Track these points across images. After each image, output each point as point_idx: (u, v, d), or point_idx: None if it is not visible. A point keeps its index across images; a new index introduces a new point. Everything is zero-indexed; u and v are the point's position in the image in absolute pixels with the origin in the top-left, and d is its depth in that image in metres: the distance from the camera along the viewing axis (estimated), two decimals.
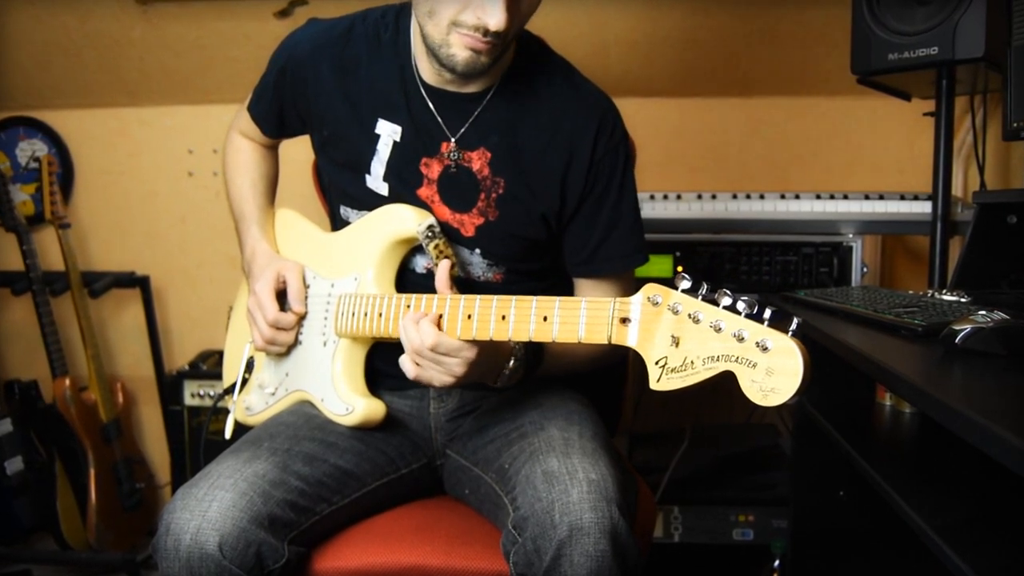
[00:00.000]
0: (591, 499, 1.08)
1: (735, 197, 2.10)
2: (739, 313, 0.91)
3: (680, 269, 2.05)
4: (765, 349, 0.87)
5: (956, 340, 1.06)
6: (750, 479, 2.15)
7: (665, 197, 2.12)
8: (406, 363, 1.18)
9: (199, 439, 2.43)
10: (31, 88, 2.59)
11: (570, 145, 1.32)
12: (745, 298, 0.91)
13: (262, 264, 1.43)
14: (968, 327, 1.06)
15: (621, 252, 1.37)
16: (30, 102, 2.64)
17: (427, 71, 1.32)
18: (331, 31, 1.37)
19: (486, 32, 1.16)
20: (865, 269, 2.04)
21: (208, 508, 1.10)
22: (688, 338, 0.94)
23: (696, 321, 0.94)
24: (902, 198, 2.05)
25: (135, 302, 2.64)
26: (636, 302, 1.01)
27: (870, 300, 1.40)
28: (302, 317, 1.41)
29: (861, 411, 1.56)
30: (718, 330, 0.91)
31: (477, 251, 1.36)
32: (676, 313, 0.96)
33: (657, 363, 0.97)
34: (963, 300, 1.33)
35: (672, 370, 0.95)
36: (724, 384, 0.93)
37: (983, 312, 1.09)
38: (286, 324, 1.38)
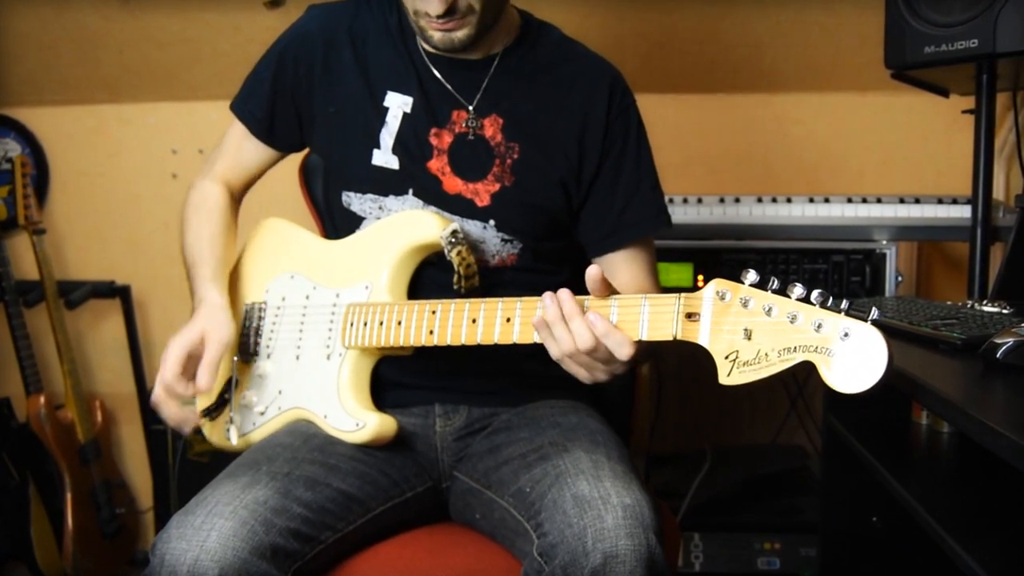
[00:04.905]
0: (627, 525, 1.09)
1: (760, 201, 2.11)
2: (814, 304, 0.95)
3: (701, 278, 2.07)
4: (846, 336, 0.91)
5: (998, 355, 1.08)
6: (776, 503, 2.16)
7: (685, 201, 2.13)
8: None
9: (183, 461, 2.44)
10: (2, 84, 2.60)
11: (583, 108, 1.42)
12: (818, 290, 0.95)
13: (199, 315, 1.38)
14: (1010, 340, 1.08)
15: (647, 213, 1.45)
16: (1, 99, 2.65)
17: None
18: (337, 8, 1.48)
19: (438, 16, 1.27)
20: (900, 278, 2.05)
21: (207, 538, 1.10)
22: (761, 331, 0.98)
23: (769, 313, 0.98)
24: (939, 202, 2.07)
25: (115, 313, 2.66)
26: (706, 297, 1.04)
27: (905, 311, 1.41)
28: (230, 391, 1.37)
29: (895, 430, 1.57)
30: (794, 320, 0.95)
31: (492, 223, 1.40)
32: (747, 307, 1.00)
33: (727, 357, 1.00)
34: (1005, 311, 1.34)
35: (745, 363, 0.99)
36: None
37: None
38: (179, 393, 1.32)
